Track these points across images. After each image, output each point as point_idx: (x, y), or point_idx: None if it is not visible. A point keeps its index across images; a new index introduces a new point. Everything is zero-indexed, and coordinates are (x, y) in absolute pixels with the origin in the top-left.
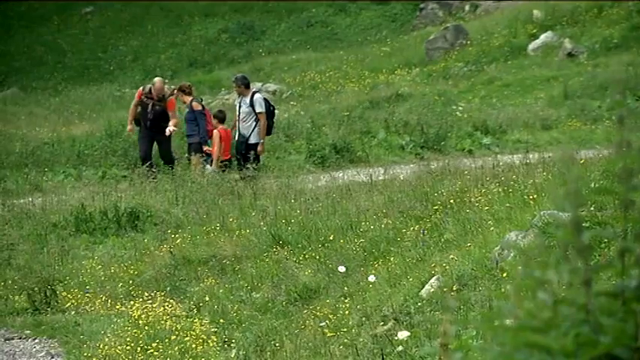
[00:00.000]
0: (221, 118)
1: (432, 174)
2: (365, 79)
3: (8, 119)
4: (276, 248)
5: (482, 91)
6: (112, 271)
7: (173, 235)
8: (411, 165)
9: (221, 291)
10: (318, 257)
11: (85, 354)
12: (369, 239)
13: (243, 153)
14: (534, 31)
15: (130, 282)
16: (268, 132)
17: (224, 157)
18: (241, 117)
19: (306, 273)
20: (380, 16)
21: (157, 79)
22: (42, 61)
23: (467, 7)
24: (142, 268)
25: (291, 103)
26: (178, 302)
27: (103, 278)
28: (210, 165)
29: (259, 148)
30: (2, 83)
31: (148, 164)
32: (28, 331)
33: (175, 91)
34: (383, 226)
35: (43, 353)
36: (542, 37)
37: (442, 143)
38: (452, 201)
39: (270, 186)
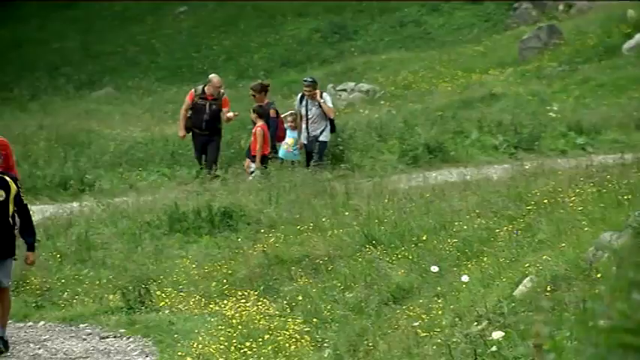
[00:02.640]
0: (261, 113)
1: (525, 174)
2: (458, 78)
3: (102, 119)
4: (369, 248)
5: (576, 91)
6: (206, 270)
7: (266, 235)
8: (505, 165)
9: (314, 290)
10: (411, 257)
11: (179, 353)
12: (462, 239)
13: (314, 152)
14: (629, 30)
15: (224, 281)
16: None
17: (264, 152)
18: (312, 119)
19: (399, 273)
20: (473, 15)
21: (213, 76)
22: (135, 61)
23: (560, 7)
24: (235, 267)
25: (384, 102)
26: (272, 301)
27: (196, 277)
28: (253, 162)
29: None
30: (97, 83)
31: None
32: (123, 330)
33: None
34: (476, 226)
35: (137, 352)
36: (637, 36)
37: (536, 143)
38: (545, 201)
39: (363, 186)
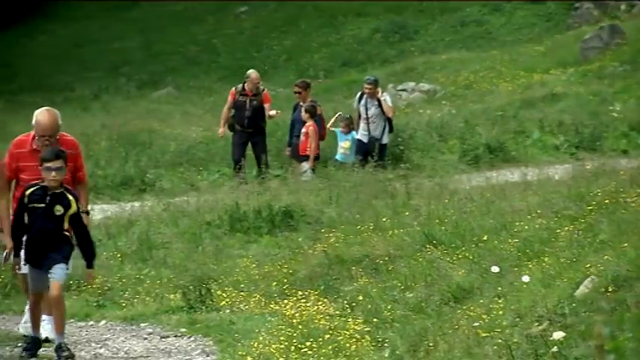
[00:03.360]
0: (313, 112)
1: (586, 174)
2: (519, 78)
3: (163, 118)
4: (430, 248)
5: (638, 90)
6: (266, 269)
7: (327, 235)
8: (566, 165)
9: (374, 290)
10: (471, 257)
11: (240, 352)
12: (522, 239)
13: (373, 153)
14: None
15: (284, 281)
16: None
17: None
18: (371, 119)
19: (460, 273)
20: (534, 15)
21: (251, 71)
22: (196, 61)
23: (622, 7)
24: (295, 267)
25: (444, 102)
26: (332, 301)
27: (257, 277)
28: (304, 162)
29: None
30: (158, 83)
31: (238, 167)
32: (184, 329)
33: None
34: (537, 226)
35: (197, 351)
36: None
37: (597, 143)
38: (607, 201)
39: (424, 186)
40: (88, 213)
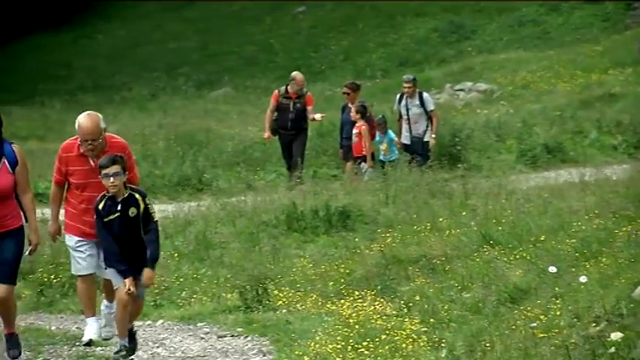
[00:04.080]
0: (363, 112)
1: None
2: (577, 78)
3: (221, 118)
4: (487, 248)
5: None
6: (323, 269)
7: (383, 235)
8: (624, 165)
9: (431, 290)
10: (528, 257)
11: (296, 352)
12: (580, 240)
13: (420, 153)
14: None
15: (341, 281)
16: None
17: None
18: (413, 119)
19: (517, 273)
20: (592, 15)
21: (296, 73)
22: (254, 61)
23: None
24: (352, 267)
25: (502, 102)
26: (389, 301)
27: (313, 277)
28: (365, 162)
29: (431, 141)
30: (215, 83)
31: (289, 165)
32: (240, 329)
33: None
34: (594, 226)
35: (254, 351)
36: None
37: None
38: None
39: (481, 186)
40: None
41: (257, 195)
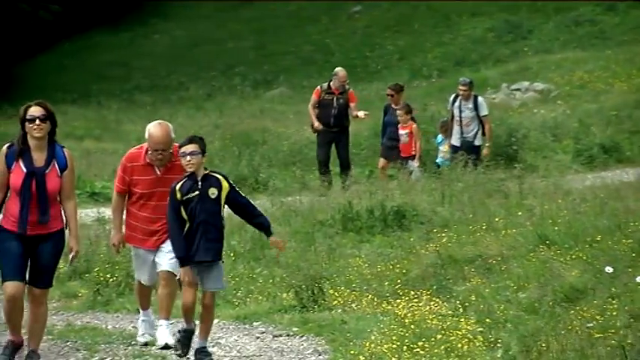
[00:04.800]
0: (410, 111)
1: None
2: (634, 78)
3: (277, 118)
4: (543, 248)
5: None
6: (379, 269)
7: (439, 235)
8: None
9: (487, 290)
10: (585, 257)
11: (352, 352)
12: (637, 240)
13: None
14: None
15: (397, 280)
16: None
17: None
18: (465, 122)
19: (573, 273)
20: None
21: (339, 69)
22: (310, 61)
23: None
24: (408, 266)
25: (558, 102)
26: (444, 301)
27: (369, 276)
28: (413, 161)
29: (485, 151)
30: (271, 82)
31: (324, 169)
32: (296, 329)
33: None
34: None
35: (310, 350)
36: None
37: None
38: None
39: (537, 186)
40: None
41: (312, 194)
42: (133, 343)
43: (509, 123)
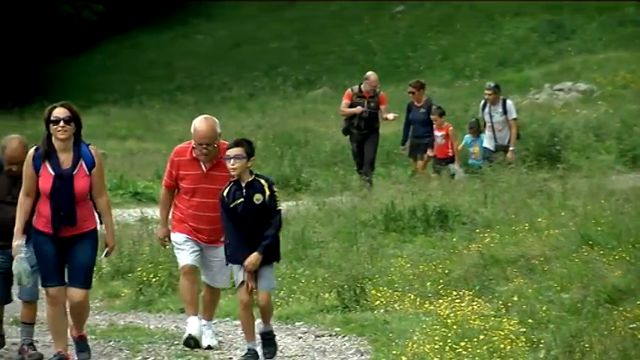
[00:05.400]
0: (442, 113)
1: None
2: None
3: (319, 118)
4: (586, 248)
5: None
6: (421, 269)
7: (481, 235)
8: None
9: (530, 291)
10: (628, 258)
11: (394, 352)
12: None
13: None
14: None
15: (439, 281)
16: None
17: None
18: (497, 127)
19: (616, 274)
20: None
21: (370, 73)
22: (352, 61)
23: None
24: (450, 267)
25: (601, 102)
26: (487, 301)
27: (411, 277)
28: (453, 163)
29: (509, 155)
30: (314, 83)
31: (362, 170)
32: (338, 329)
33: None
34: None
35: (352, 351)
36: None
37: None
38: None
39: (580, 186)
40: None
41: (354, 194)
42: (175, 342)
43: (551, 123)
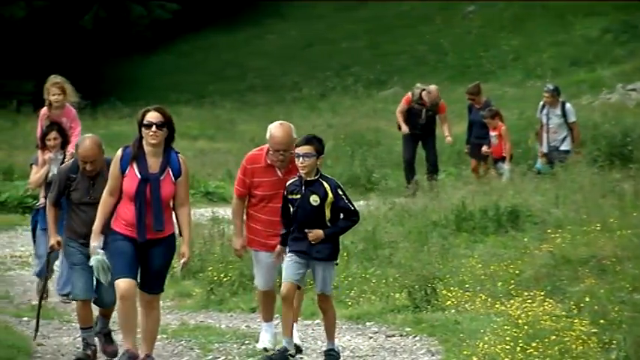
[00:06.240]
0: (495, 114)
1: None
2: None
3: (390, 118)
4: None
5: None
6: (492, 269)
7: (553, 235)
8: None
9: (601, 291)
10: None
11: (465, 352)
12: None
13: (552, 162)
14: None
15: (510, 281)
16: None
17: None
18: (552, 129)
19: None
20: None
21: (434, 87)
22: (423, 61)
23: None
24: (521, 267)
25: None
26: (558, 302)
27: (482, 277)
28: (503, 162)
29: (574, 156)
30: (385, 82)
31: (410, 167)
32: (409, 329)
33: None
34: None
35: (423, 351)
36: None
37: None
38: None
39: None
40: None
41: (425, 194)
42: (246, 342)
43: (624, 123)
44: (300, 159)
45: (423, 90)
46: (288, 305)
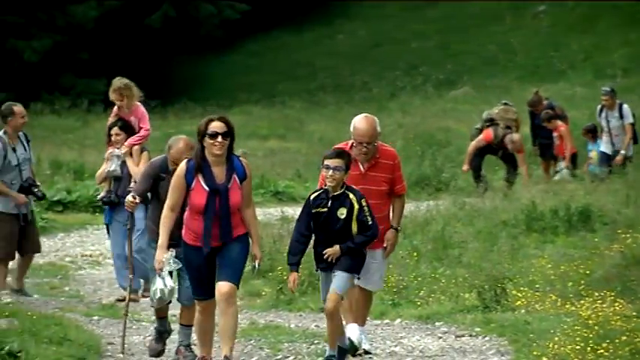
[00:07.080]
0: (552, 116)
1: None
2: None
3: (460, 118)
4: None
5: None
6: (562, 270)
7: (624, 235)
8: None
9: None
10: None
11: (535, 353)
12: None
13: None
14: None
15: (580, 281)
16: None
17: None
18: (614, 132)
19: None
20: None
21: (517, 137)
22: (494, 60)
23: None
24: (592, 267)
25: None
26: (629, 302)
27: (552, 277)
28: (562, 162)
29: (618, 158)
30: (455, 82)
31: (477, 174)
32: (478, 329)
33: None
34: None
35: (492, 351)
36: None
37: None
38: None
39: None
40: (397, 230)
41: (496, 194)
42: (315, 342)
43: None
44: (330, 171)
45: (506, 134)
46: (335, 320)
